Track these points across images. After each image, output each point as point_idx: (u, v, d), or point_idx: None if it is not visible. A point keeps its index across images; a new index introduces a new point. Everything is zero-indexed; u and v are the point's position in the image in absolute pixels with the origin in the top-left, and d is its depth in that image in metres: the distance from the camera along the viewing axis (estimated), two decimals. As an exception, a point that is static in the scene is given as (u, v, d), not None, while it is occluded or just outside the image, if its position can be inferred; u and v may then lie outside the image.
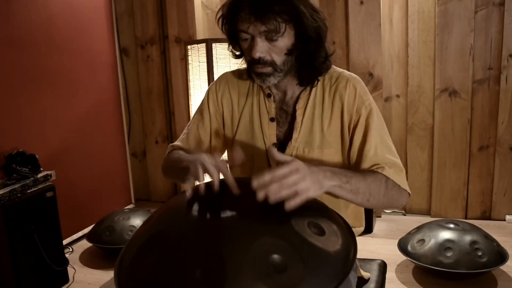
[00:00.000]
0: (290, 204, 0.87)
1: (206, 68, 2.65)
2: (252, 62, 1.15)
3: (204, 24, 3.24)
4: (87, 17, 3.01)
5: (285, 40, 1.12)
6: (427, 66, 2.92)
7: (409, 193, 1.17)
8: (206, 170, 1.01)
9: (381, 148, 1.16)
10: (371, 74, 2.93)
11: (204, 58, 2.67)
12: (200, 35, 3.18)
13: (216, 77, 2.61)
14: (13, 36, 2.48)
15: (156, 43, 3.36)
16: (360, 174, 1.07)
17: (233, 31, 1.17)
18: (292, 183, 0.88)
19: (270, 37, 1.10)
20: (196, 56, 2.73)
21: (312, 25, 1.12)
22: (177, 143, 1.38)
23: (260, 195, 0.86)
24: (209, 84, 2.67)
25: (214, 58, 2.64)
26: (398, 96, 3.02)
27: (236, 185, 0.99)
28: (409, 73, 2.95)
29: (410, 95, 2.98)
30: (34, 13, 2.60)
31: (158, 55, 3.38)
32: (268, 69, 1.15)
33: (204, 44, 2.66)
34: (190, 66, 2.79)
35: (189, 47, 2.78)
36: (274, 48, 1.12)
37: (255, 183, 0.87)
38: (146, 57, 3.41)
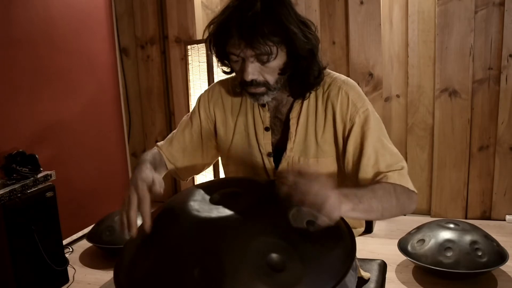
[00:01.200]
0: (324, 221, 0.87)
1: (206, 68, 2.66)
2: (245, 84, 1.12)
3: (204, 24, 3.24)
4: (87, 17, 3.01)
5: (277, 61, 1.08)
6: (427, 66, 2.91)
7: (416, 192, 1.13)
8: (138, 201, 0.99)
9: (382, 154, 1.12)
10: (371, 74, 2.93)
11: (204, 58, 2.67)
12: (200, 35, 3.18)
13: (216, 77, 2.64)
14: (13, 36, 2.48)
15: (156, 43, 3.36)
16: (369, 190, 1.02)
17: (222, 52, 1.14)
18: (318, 190, 0.87)
19: (261, 60, 1.07)
20: (196, 56, 2.73)
21: (303, 44, 1.08)
22: (161, 143, 1.36)
23: (284, 189, 0.87)
24: (209, 84, 2.68)
25: (214, 58, 2.64)
26: (398, 96, 3.02)
27: (149, 222, 0.96)
28: (409, 73, 2.95)
29: (410, 95, 2.98)
30: (34, 13, 2.60)
31: (158, 55, 3.38)
32: (262, 89, 1.12)
33: (204, 44, 2.66)
34: (190, 66, 2.79)
35: (189, 47, 2.78)
36: (267, 68, 1.09)
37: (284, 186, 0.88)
38: (146, 57, 3.41)
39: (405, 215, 3.07)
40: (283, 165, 1.22)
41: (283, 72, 1.11)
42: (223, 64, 1.20)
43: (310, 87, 1.17)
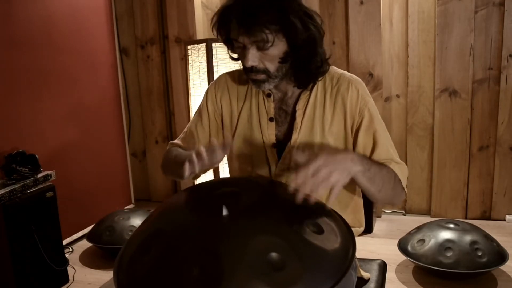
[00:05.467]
0: (332, 199, 0.95)
1: (206, 68, 2.66)
2: (246, 70, 1.15)
3: (204, 24, 3.24)
4: (87, 17, 3.01)
5: (277, 49, 1.11)
6: (427, 66, 2.91)
7: (406, 193, 1.20)
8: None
9: (389, 146, 1.20)
10: (371, 74, 2.93)
11: (204, 58, 2.67)
12: (200, 35, 3.18)
13: (216, 77, 2.63)
14: (13, 36, 2.48)
15: (156, 43, 3.36)
16: (377, 165, 1.10)
17: (227, 38, 1.17)
18: (324, 177, 0.92)
19: (260, 47, 1.09)
20: (196, 56, 2.73)
21: (303, 34, 1.10)
22: (176, 141, 1.38)
23: (300, 197, 0.90)
24: (209, 84, 2.68)
25: (214, 58, 2.64)
26: (398, 96, 3.02)
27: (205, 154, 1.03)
28: (409, 73, 2.95)
29: (410, 95, 2.98)
30: (34, 13, 2.60)
31: (158, 55, 3.38)
32: (262, 76, 1.14)
33: (204, 44, 2.66)
34: (190, 66, 2.79)
35: (189, 47, 2.78)
36: (266, 56, 1.11)
37: (292, 187, 0.91)
38: (146, 57, 3.41)
39: (405, 215, 3.08)
40: (286, 156, 1.23)
41: (283, 60, 1.13)
42: (230, 49, 1.23)
43: (313, 77, 1.19)
